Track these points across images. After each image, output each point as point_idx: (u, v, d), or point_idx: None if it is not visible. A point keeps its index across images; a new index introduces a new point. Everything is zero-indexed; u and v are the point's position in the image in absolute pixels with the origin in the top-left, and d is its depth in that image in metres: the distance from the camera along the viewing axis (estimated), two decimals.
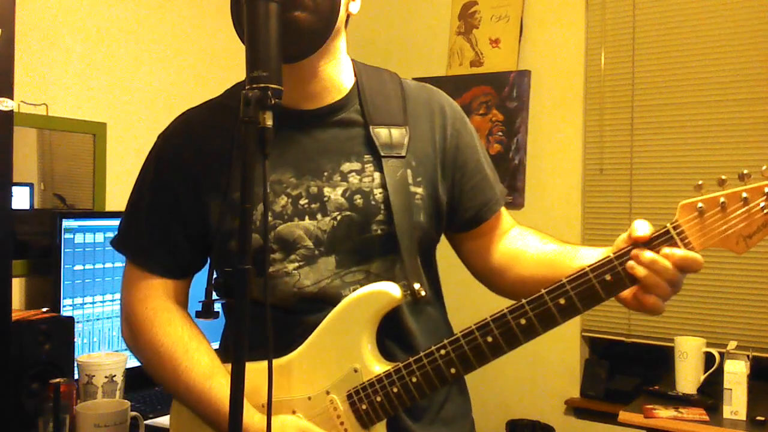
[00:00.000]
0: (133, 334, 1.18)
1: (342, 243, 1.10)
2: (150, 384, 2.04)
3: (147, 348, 1.15)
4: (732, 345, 2.18)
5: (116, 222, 1.97)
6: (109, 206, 2.20)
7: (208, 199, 1.13)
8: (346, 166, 1.12)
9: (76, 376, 1.71)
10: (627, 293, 1.00)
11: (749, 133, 2.51)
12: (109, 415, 1.49)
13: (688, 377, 2.19)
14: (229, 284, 0.86)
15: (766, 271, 2.45)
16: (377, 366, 1.08)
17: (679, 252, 0.96)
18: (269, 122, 0.86)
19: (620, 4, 2.79)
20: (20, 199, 1.97)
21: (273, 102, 0.86)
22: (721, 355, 2.13)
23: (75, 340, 1.80)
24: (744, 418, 1.99)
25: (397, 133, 1.14)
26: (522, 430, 2.74)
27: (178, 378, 1.12)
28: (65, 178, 2.16)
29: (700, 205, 0.94)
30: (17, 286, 1.93)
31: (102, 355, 1.79)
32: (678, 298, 2.58)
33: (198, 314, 0.89)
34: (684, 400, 2.13)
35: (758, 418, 1.98)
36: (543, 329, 1.01)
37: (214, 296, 0.88)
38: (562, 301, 1.00)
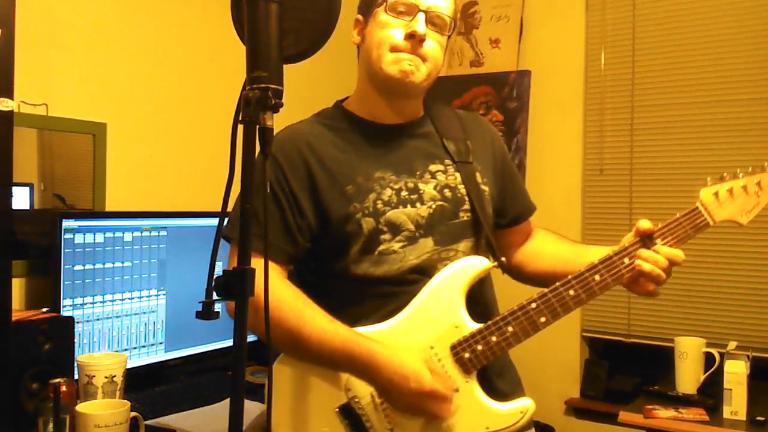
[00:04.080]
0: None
1: (437, 226, 1.34)
2: (150, 384, 2.04)
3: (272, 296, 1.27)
4: (732, 345, 2.18)
5: (116, 222, 2.00)
6: (109, 206, 2.19)
7: (320, 195, 1.31)
8: (433, 167, 1.38)
9: (76, 376, 1.71)
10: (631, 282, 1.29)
11: (749, 133, 2.52)
12: (109, 415, 1.49)
13: (688, 377, 2.19)
14: (229, 283, 0.86)
15: (766, 271, 2.45)
16: (472, 323, 1.30)
17: (667, 249, 1.28)
18: (269, 122, 0.86)
19: (620, 4, 2.79)
20: (20, 199, 1.97)
21: (273, 102, 0.86)
22: (721, 355, 2.13)
23: (75, 340, 1.79)
24: (744, 418, 2.00)
25: (463, 145, 1.42)
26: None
27: (303, 317, 1.25)
28: (65, 178, 2.15)
29: (715, 191, 1.32)
30: (17, 286, 1.93)
31: (102, 355, 1.78)
32: (678, 298, 2.60)
33: (198, 314, 0.89)
34: (684, 400, 2.13)
35: (758, 418, 1.98)
36: (613, 283, 1.29)
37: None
38: (626, 260, 1.28)
